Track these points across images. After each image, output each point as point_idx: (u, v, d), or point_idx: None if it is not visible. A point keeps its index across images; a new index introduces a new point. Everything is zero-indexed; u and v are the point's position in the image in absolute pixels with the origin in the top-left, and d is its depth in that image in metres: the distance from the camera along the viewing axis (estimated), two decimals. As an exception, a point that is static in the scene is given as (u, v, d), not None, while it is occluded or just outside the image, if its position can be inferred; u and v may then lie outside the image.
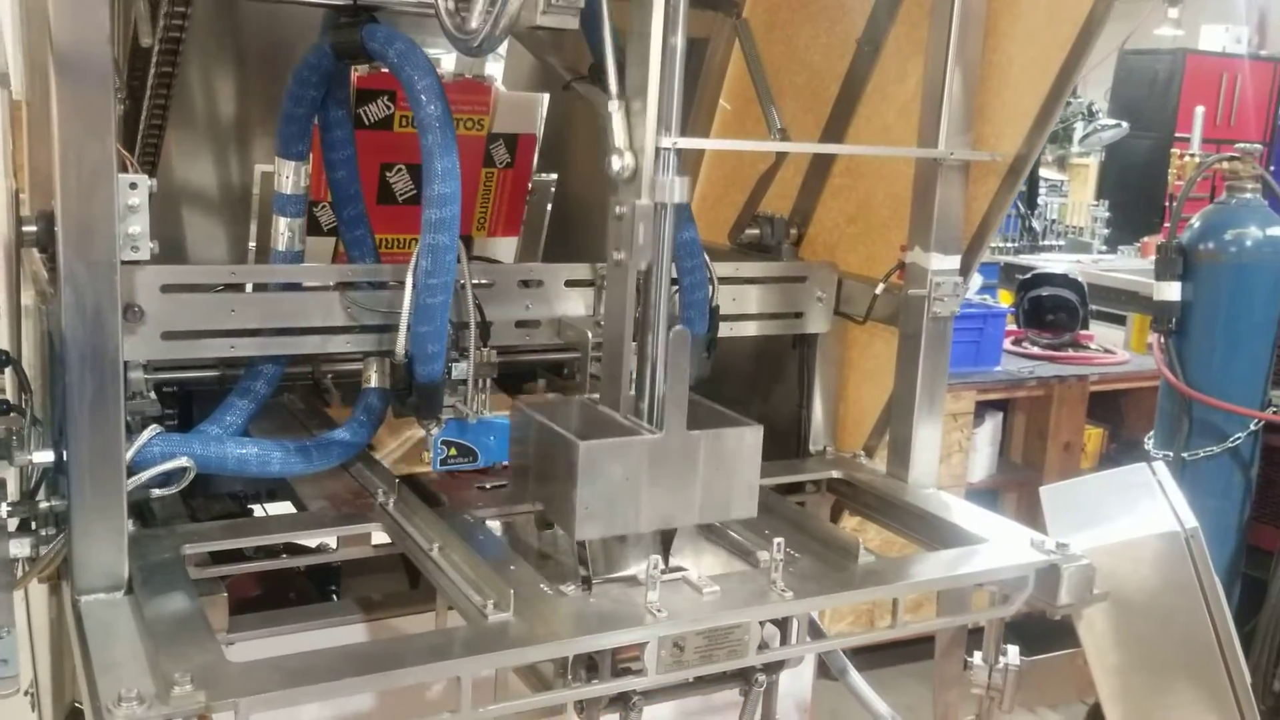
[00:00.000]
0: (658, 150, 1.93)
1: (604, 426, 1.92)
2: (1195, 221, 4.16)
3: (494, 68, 2.76)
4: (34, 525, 1.93)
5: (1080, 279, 5.42)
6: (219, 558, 2.04)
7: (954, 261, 2.38)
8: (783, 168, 2.76)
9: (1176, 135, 9.54)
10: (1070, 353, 5.23)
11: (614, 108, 1.91)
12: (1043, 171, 9.95)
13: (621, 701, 1.89)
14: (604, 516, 1.80)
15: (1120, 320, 6.25)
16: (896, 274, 2.47)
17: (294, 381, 2.67)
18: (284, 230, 2.14)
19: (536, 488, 1.94)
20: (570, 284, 2.32)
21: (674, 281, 2.32)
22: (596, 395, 2.04)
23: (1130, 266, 6.90)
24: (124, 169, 1.72)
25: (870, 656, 2.79)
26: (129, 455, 1.88)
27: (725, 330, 2.46)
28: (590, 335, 2.25)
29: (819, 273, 2.60)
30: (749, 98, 2.85)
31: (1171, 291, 4.10)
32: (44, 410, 2.07)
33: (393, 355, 2.04)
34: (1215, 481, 4.13)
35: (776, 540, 1.87)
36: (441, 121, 1.91)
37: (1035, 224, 7.79)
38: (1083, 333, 5.40)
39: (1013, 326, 5.42)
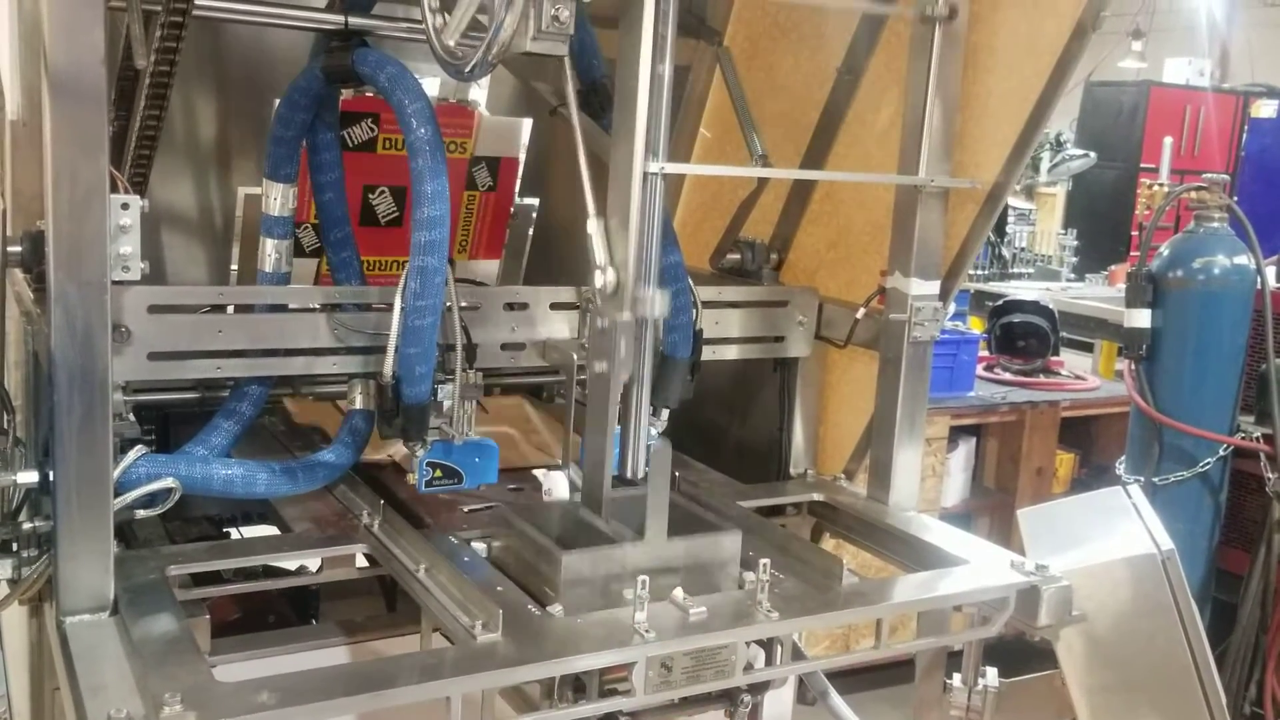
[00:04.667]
0: (645, 175, 1.96)
1: (586, 535, 1.98)
2: (1164, 250, 4.22)
3: (478, 93, 2.77)
4: (15, 547, 1.92)
5: (1051, 306, 5.48)
6: (201, 580, 2.03)
7: (934, 287, 2.42)
8: (764, 194, 2.80)
9: (1142, 165, 9.72)
10: (1042, 378, 5.29)
11: (594, 226, 1.95)
12: (1010, 200, 10.06)
13: (609, 724, 1.89)
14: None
15: (1088, 347, 6.33)
16: (877, 299, 2.50)
17: (276, 402, 2.68)
18: (271, 252, 2.14)
19: (520, 578, 1.97)
20: (555, 307, 2.34)
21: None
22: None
23: (1098, 294, 6.99)
24: (115, 189, 1.73)
25: (847, 681, 2.80)
26: (115, 475, 1.88)
27: (708, 354, 2.48)
28: (575, 358, 2.27)
29: (800, 297, 2.63)
30: (729, 125, 2.89)
31: (1142, 319, 4.16)
32: (27, 431, 2.06)
33: (379, 376, 2.05)
34: (1185, 506, 4.19)
35: (762, 561, 1.89)
36: (432, 145, 1.93)
37: (1005, 252, 7.88)
38: (1054, 359, 5.46)
39: (985, 353, 5.48)
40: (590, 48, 2.26)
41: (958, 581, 2.11)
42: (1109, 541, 2.39)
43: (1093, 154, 8.33)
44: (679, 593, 1.90)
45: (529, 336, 2.32)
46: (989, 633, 2.12)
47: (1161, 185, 5.34)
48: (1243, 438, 4.11)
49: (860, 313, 2.52)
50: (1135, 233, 9.14)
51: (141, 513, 1.98)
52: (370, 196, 2.68)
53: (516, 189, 2.94)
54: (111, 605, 1.77)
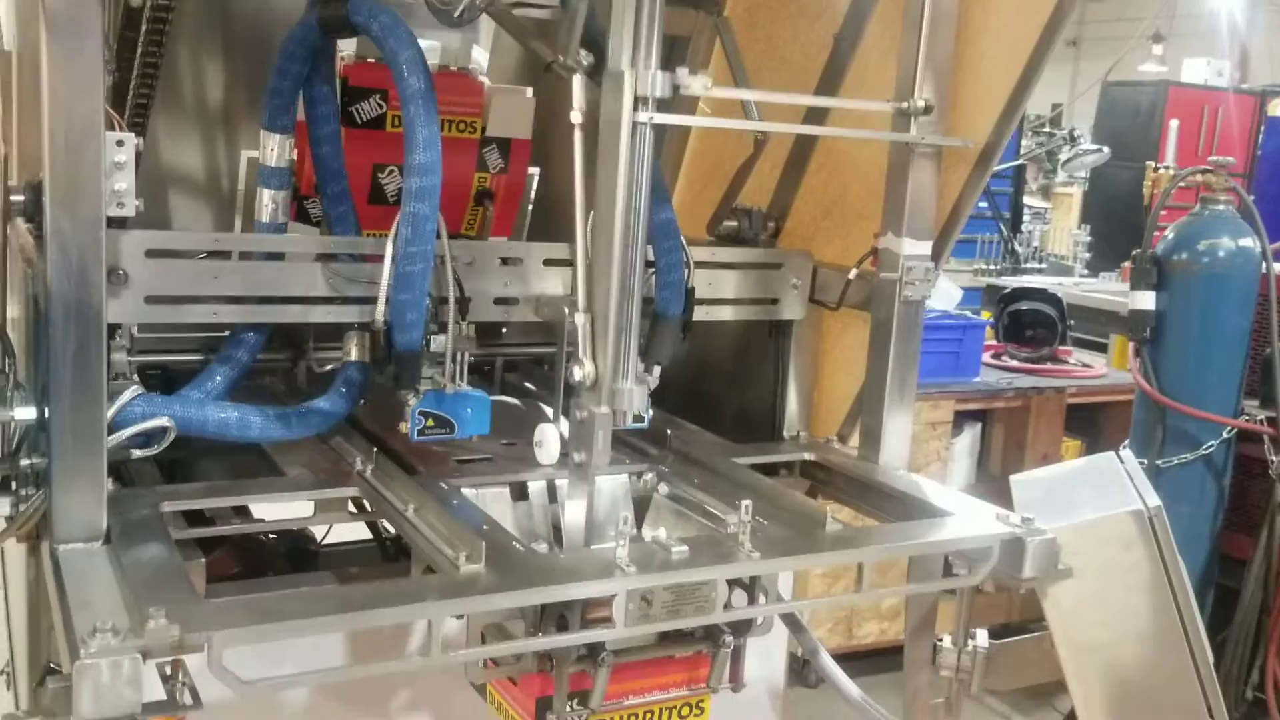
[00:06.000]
0: (634, 125, 1.98)
1: None
2: (1170, 233, 4.23)
3: (479, 55, 2.80)
4: (14, 486, 1.96)
5: (1059, 294, 5.48)
6: (195, 520, 2.06)
7: (926, 247, 2.44)
8: (761, 162, 2.81)
9: (1159, 165, 9.69)
10: (1049, 366, 5.29)
11: (579, 320, 1.99)
12: (1027, 199, 10.09)
13: (590, 659, 1.92)
14: None
15: (1102, 348, 6.32)
16: (870, 260, 2.52)
17: (276, 365, 2.73)
18: (268, 202, 2.18)
19: None
20: (549, 263, 2.36)
21: (650, 264, 2.39)
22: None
23: (1111, 288, 6.99)
24: (111, 128, 1.77)
25: (852, 666, 2.80)
26: (110, 414, 1.92)
27: (702, 314, 2.50)
28: (566, 312, 2.29)
29: (794, 260, 2.65)
30: (733, 106, 2.90)
31: (1146, 301, 4.17)
32: (27, 376, 2.10)
33: (372, 323, 2.08)
34: (1188, 489, 4.19)
35: (744, 503, 1.91)
36: (423, 94, 1.96)
37: (1018, 247, 7.89)
38: (1061, 348, 5.46)
39: (992, 341, 5.48)
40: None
41: (942, 531, 2.13)
42: (1097, 501, 2.41)
43: (1106, 149, 8.33)
44: (662, 532, 1.92)
45: (522, 292, 2.35)
46: (973, 581, 2.13)
47: (1167, 169, 5.33)
48: (1247, 420, 4.11)
49: (853, 273, 2.54)
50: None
51: (138, 453, 2.02)
52: (379, 175, 2.69)
53: (527, 170, 2.95)
54: (104, 535, 1.81)
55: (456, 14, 1.81)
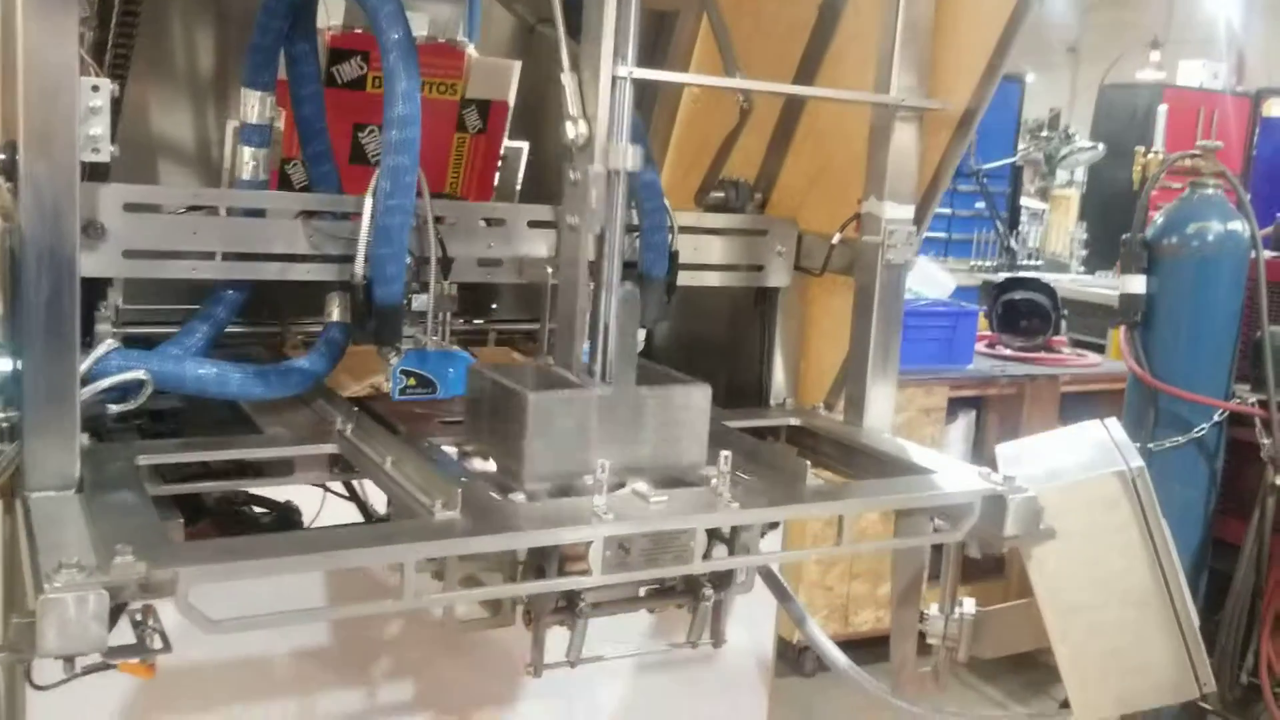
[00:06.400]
0: (614, 79, 1.99)
1: (555, 383, 1.99)
2: (1159, 217, 4.23)
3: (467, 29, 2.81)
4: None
5: (1052, 284, 5.48)
6: (170, 475, 2.05)
7: (908, 211, 2.44)
8: (747, 135, 2.82)
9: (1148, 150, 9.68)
10: (1043, 355, 5.28)
11: (566, 78, 1.98)
12: (1025, 201, 10.09)
13: (569, 610, 1.91)
14: (553, 470, 1.86)
15: (1100, 349, 6.28)
16: (853, 225, 2.51)
17: (261, 339, 2.73)
18: (249, 159, 2.18)
19: (490, 445, 2.00)
20: (533, 225, 2.36)
21: (633, 228, 2.39)
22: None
23: (1108, 284, 6.97)
24: (87, 74, 1.77)
25: (852, 654, 2.78)
26: (85, 366, 1.92)
27: (687, 279, 2.51)
28: (550, 273, 2.29)
29: (779, 227, 2.65)
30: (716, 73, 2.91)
31: (1137, 284, 4.17)
32: (5, 334, 2.09)
33: (352, 276, 2.08)
34: (1181, 472, 4.18)
35: (724, 454, 1.90)
36: (403, 46, 1.96)
37: (1014, 245, 7.88)
38: (1056, 338, 5.46)
39: (986, 332, 5.48)
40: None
41: (923, 486, 2.12)
42: (1081, 463, 2.39)
43: (1101, 146, 8.32)
44: (642, 485, 1.92)
45: (506, 253, 2.35)
46: (956, 537, 2.12)
47: (1156, 153, 5.33)
48: (1238, 403, 4.10)
49: (836, 238, 2.54)
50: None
51: (115, 408, 2.02)
52: (360, 135, 2.71)
53: (506, 132, 2.97)
54: (77, 484, 1.80)
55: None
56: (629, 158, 1.99)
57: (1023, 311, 5.46)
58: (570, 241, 2.04)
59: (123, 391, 2.00)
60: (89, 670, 1.68)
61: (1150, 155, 5.27)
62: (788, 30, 2.83)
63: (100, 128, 1.77)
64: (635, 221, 2.38)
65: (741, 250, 2.62)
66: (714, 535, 1.96)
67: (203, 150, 2.79)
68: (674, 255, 2.41)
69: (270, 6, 2.10)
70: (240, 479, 2.11)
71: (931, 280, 5.05)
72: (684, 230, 2.49)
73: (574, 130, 1.96)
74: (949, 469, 2.22)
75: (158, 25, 2.63)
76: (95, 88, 1.76)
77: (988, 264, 7.73)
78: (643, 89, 3.05)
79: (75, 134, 1.73)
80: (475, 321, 3.05)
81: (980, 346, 5.28)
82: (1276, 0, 15.10)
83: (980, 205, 8.48)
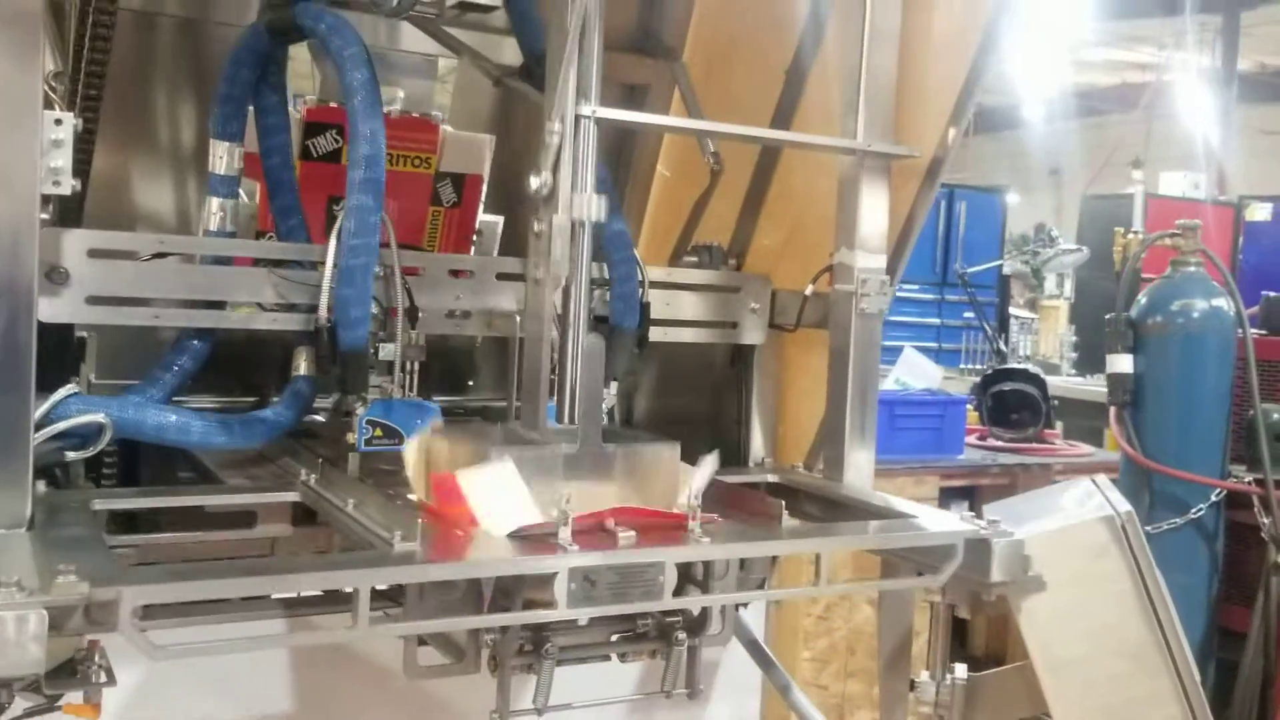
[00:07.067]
0: (577, 119, 2.00)
1: (518, 441, 1.97)
2: (1142, 298, 4.23)
3: (442, 99, 2.85)
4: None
5: (1040, 374, 5.46)
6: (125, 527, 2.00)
7: (880, 260, 2.43)
8: (720, 201, 2.84)
9: (1144, 275, 9.76)
10: (1035, 445, 5.23)
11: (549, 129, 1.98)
12: (1014, 310, 10.15)
13: (535, 654, 1.84)
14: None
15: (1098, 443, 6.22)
16: (825, 278, 2.51)
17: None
18: (216, 210, 2.18)
19: None
20: (502, 277, 2.35)
21: (605, 283, 2.38)
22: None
23: (1100, 385, 6.94)
24: (50, 108, 1.78)
25: None
26: (43, 410, 1.88)
27: (660, 335, 2.49)
28: (519, 325, 2.27)
29: (752, 283, 2.64)
30: (687, 159, 2.93)
31: (1124, 364, 4.14)
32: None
33: (315, 319, 2.05)
34: (1180, 555, 4.08)
35: (693, 486, 1.86)
36: (367, 86, 1.98)
37: (1004, 348, 7.89)
38: (1047, 430, 5.41)
39: (977, 426, 5.43)
40: (532, 20, 2.33)
41: (902, 528, 2.07)
42: (1067, 512, 2.34)
43: (1085, 249, 8.39)
44: (610, 521, 1.86)
45: (475, 305, 2.33)
46: (938, 581, 2.04)
47: (1136, 233, 5.37)
48: (1234, 481, 4.04)
49: (809, 289, 2.53)
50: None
51: (73, 455, 1.97)
52: (335, 208, 2.71)
53: (481, 205, 2.99)
54: (28, 522, 1.75)
55: (394, 3, 1.84)
56: (593, 208, 1.99)
57: (1012, 405, 5.42)
58: (536, 295, 2.02)
59: (82, 438, 1.96)
60: (33, 713, 1.61)
61: (1130, 235, 5.30)
62: (758, 94, 2.87)
63: (62, 160, 1.77)
64: (606, 276, 2.38)
65: (715, 307, 2.61)
66: (686, 579, 1.90)
67: (184, 220, 2.79)
68: (645, 306, 2.40)
69: (238, 57, 2.13)
70: (198, 530, 2.04)
71: (918, 370, 5.03)
72: (656, 285, 2.48)
73: (538, 180, 1.96)
74: (931, 515, 2.17)
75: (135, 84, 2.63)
76: (58, 120, 1.76)
77: (977, 367, 7.72)
78: (615, 165, 3.10)
79: (36, 166, 1.73)
80: (454, 398, 3.01)
81: (970, 440, 5.23)
82: (1253, 117, 15.48)
83: (969, 315, 8.53)
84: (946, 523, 2.10)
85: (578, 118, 1.99)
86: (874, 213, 2.41)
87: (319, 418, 2.45)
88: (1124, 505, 2.27)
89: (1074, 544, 2.25)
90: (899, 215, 2.46)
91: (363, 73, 1.98)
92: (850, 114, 2.38)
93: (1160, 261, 4.43)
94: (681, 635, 1.94)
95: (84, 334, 2.44)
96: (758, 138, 2.64)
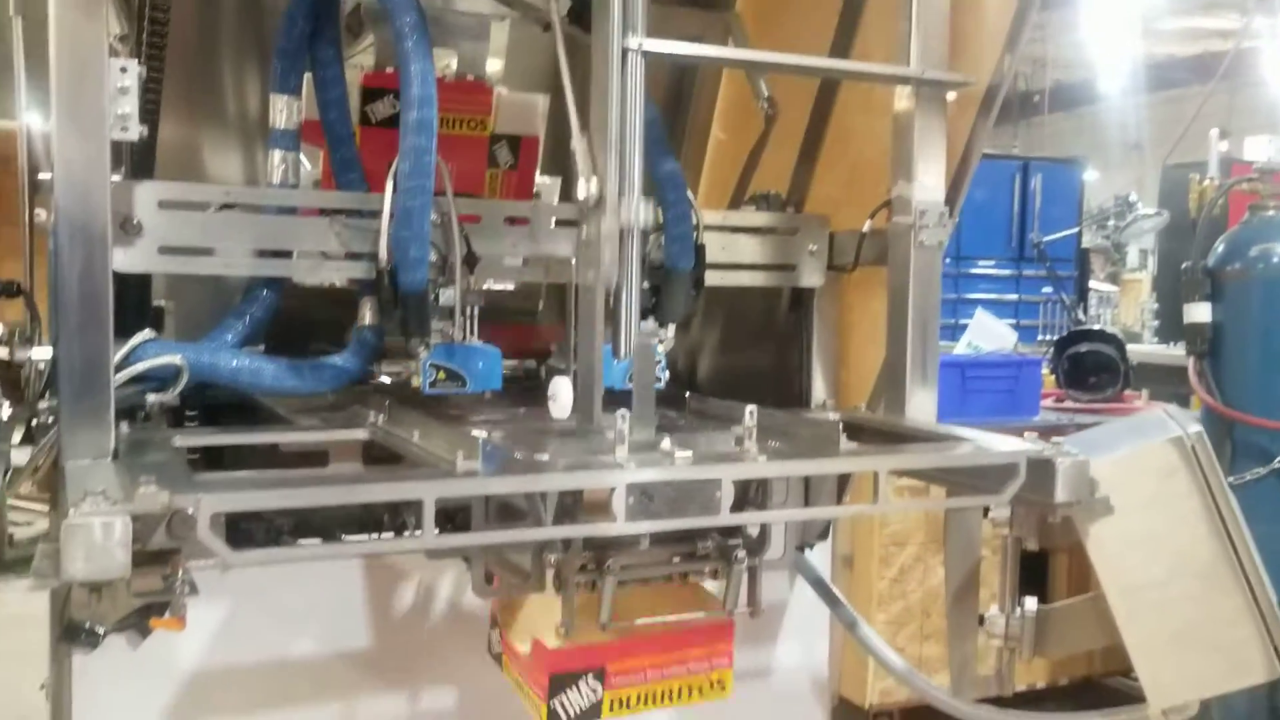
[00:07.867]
0: (624, 52, 2.02)
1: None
2: (1219, 245, 4.14)
3: (494, 65, 2.89)
4: (34, 436, 2.00)
5: (1119, 334, 5.35)
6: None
7: (938, 191, 2.42)
8: (778, 147, 2.85)
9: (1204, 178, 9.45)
10: (1115, 405, 5.13)
11: (577, 141, 2.03)
12: (1094, 284, 9.95)
13: (596, 570, 1.87)
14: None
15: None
16: (883, 214, 2.50)
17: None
18: (279, 164, 2.24)
19: None
20: (560, 224, 2.38)
21: (656, 228, 2.39)
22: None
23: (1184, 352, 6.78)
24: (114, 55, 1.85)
25: None
26: (121, 354, 1.96)
27: (717, 279, 2.50)
28: (575, 268, 2.30)
29: (810, 225, 2.65)
30: (745, 101, 2.94)
31: (1201, 313, 4.06)
32: (49, 326, 2.16)
33: (376, 261, 2.10)
34: (1265, 505, 3.96)
35: (749, 408, 1.87)
36: (416, 28, 2.03)
37: (1082, 316, 7.74)
38: (1128, 392, 5.31)
39: (1054, 389, 5.35)
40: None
41: (964, 448, 2.06)
42: (1137, 437, 2.31)
43: (1165, 212, 8.19)
44: (667, 442, 1.88)
45: (532, 252, 2.37)
46: (1003, 499, 2.03)
47: (1212, 179, 5.24)
48: (1320, 426, 3.93)
49: (867, 225, 2.52)
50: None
51: (153, 397, 2.05)
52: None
53: (538, 167, 3.02)
54: (111, 454, 1.82)
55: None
56: (641, 214, 2.01)
57: (1089, 367, 5.32)
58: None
59: (160, 381, 2.04)
60: (123, 626, 1.68)
61: (1206, 182, 5.18)
62: (813, 39, 2.87)
63: (129, 106, 1.84)
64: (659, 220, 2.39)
65: (773, 250, 2.61)
66: (745, 501, 1.91)
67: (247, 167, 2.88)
68: (700, 248, 2.41)
69: (293, 11, 2.19)
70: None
71: (990, 333, 4.96)
72: (711, 229, 2.49)
73: (585, 189, 1.98)
74: (995, 439, 2.16)
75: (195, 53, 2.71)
76: (124, 68, 1.84)
77: (1055, 337, 7.58)
78: (671, 117, 3.11)
79: (105, 112, 1.80)
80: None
81: (1047, 403, 5.15)
82: (1339, 81, 14.99)
83: (1048, 289, 8.39)
84: (1008, 442, 2.09)
85: (625, 52, 2.02)
86: (931, 144, 2.40)
87: (385, 380, 2.51)
88: (1194, 427, 2.23)
89: (1143, 466, 2.21)
90: (956, 146, 2.45)
91: (411, 15, 2.03)
92: (904, 46, 2.37)
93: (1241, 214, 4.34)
94: (741, 554, 1.96)
95: (161, 303, 2.56)
96: (813, 68, 2.62)
